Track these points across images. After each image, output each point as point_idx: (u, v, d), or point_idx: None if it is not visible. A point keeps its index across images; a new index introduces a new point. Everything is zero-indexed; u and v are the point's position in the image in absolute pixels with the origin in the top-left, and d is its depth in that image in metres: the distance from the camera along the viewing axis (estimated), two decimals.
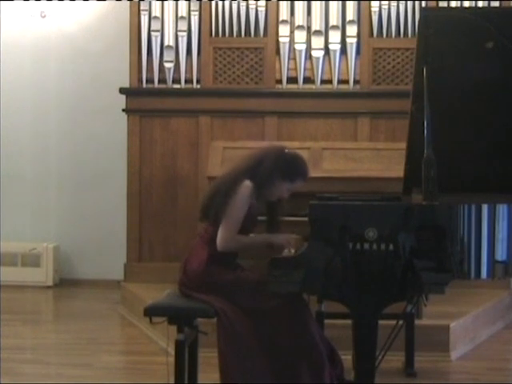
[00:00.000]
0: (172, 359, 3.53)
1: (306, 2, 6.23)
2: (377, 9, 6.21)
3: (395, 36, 6.22)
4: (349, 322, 3.78)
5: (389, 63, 6.25)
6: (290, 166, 3.73)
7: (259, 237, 3.81)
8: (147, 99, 6.36)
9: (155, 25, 6.30)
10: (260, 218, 3.83)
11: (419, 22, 3.63)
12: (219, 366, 3.56)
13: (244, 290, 3.58)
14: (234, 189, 3.63)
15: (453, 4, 6.08)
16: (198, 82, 6.33)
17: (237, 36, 6.31)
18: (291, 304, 3.52)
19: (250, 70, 6.34)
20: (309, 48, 6.22)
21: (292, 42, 6.23)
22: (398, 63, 6.24)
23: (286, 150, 3.80)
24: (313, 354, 3.50)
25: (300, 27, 6.20)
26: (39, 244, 7.07)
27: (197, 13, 6.29)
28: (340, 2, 6.21)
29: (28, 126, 7.25)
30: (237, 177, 3.68)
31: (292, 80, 6.26)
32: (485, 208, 3.32)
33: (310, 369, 3.49)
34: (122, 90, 6.38)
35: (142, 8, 6.31)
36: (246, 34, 6.30)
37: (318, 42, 6.20)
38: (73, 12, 7.14)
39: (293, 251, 3.67)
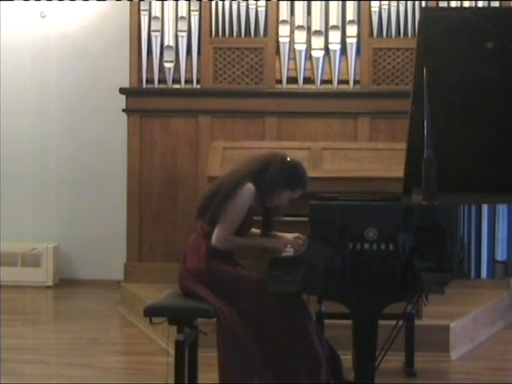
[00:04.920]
0: (172, 359, 3.53)
1: (305, 1, 6.23)
2: (377, 9, 6.21)
3: (395, 36, 6.22)
4: (349, 322, 3.78)
5: (389, 63, 6.25)
6: (294, 174, 3.74)
7: (254, 240, 3.82)
8: (147, 99, 6.36)
9: (155, 25, 6.30)
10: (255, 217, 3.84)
11: (419, 22, 3.64)
12: (218, 367, 3.56)
13: (243, 289, 3.58)
14: (235, 190, 3.63)
15: (453, 4, 6.08)
16: (198, 82, 6.33)
17: (237, 36, 6.31)
18: (289, 304, 3.53)
19: (250, 70, 6.34)
20: (309, 48, 6.22)
21: (292, 41, 6.23)
22: (398, 63, 6.24)
23: (288, 158, 3.79)
24: (310, 355, 3.51)
25: (300, 27, 6.20)
26: (39, 244, 7.07)
27: (197, 13, 6.29)
28: (340, 2, 6.21)
29: (28, 126, 7.25)
30: (239, 179, 3.68)
31: (292, 80, 6.26)
32: (485, 208, 3.32)
33: (306, 369, 3.50)
34: (121, 90, 6.38)
35: (141, 8, 6.31)
36: (245, 34, 6.30)
37: (317, 41, 6.20)
38: (73, 12, 7.14)
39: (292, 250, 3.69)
